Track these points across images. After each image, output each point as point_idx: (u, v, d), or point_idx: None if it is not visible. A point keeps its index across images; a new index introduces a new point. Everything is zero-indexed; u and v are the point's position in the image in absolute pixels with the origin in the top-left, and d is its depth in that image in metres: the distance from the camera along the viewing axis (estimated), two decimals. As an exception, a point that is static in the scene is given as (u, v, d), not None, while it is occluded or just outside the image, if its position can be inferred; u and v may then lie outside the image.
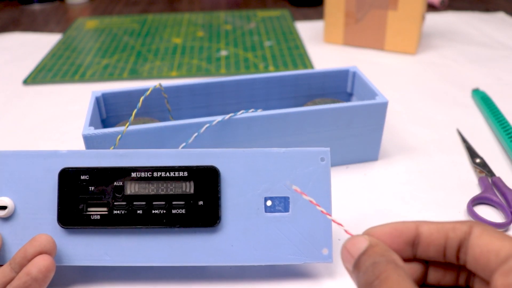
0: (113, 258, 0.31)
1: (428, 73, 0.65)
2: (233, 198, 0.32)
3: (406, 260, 0.25)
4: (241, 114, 0.40)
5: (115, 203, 0.31)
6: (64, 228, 0.31)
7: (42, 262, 0.29)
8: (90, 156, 0.32)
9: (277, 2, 1.03)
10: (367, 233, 0.25)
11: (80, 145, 0.50)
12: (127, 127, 0.38)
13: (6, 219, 0.32)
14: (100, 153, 0.32)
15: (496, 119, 0.51)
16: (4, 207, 0.31)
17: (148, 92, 0.40)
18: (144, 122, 0.44)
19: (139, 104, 0.38)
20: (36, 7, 1.02)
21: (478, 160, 0.45)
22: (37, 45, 0.80)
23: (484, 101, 0.55)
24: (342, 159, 0.45)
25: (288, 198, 0.32)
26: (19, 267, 0.29)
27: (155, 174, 0.32)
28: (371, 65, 0.68)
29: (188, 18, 0.91)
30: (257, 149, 0.33)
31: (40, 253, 0.29)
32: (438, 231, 0.24)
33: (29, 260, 0.29)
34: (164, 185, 0.32)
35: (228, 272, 0.34)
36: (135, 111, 0.38)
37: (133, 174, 0.32)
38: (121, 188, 0.31)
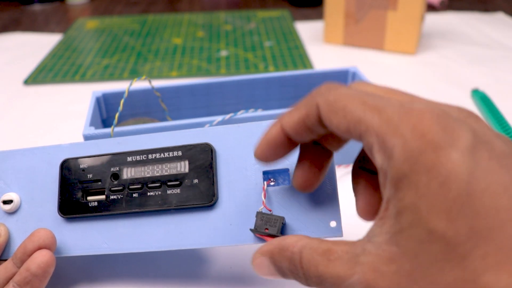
0: (111, 246, 0.31)
1: (428, 73, 0.66)
2: (229, 175, 0.31)
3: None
4: (241, 114, 0.40)
5: (112, 189, 0.31)
6: (64, 217, 0.31)
7: (40, 258, 0.29)
8: (91, 147, 0.33)
9: (277, 2, 1.03)
10: (258, 155, 0.25)
11: (81, 145, 0.50)
12: (117, 115, 0.37)
13: (13, 213, 0.32)
14: (99, 143, 0.33)
15: (495, 119, 0.51)
16: (10, 201, 0.32)
17: (133, 81, 0.39)
18: (144, 122, 0.44)
19: (126, 94, 0.38)
20: (37, 7, 1.02)
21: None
22: (37, 45, 0.80)
23: (483, 101, 0.55)
24: (342, 159, 0.45)
25: (287, 169, 0.30)
26: (20, 263, 0.30)
27: (150, 156, 0.31)
28: (371, 65, 0.68)
29: (188, 18, 0.91)
30: (251, 123, 0.31)
31: (39, 248, 0.29)
32: (297, 124, 0.23)
33: (29, 256, 0.29)
34: (159, 166, 0.31)
35: (229, 270, 0.34)
36: (122, 100, 0.38)
37: (129, 159, 0.32)
38: (118, 174, 0.31)
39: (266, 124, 0.31)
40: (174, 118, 0.48)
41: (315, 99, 0.22)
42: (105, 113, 0.46)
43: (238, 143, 0.31)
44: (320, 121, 0.22)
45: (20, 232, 0.32)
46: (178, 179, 0.31)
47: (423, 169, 0.18)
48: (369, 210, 0.26)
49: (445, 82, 0.63)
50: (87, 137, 0.38)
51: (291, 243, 0.22)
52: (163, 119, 0.48)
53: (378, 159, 0.19)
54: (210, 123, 0.39)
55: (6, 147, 0.51)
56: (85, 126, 0.39)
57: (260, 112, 0.41)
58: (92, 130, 0.39)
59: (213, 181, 0.30)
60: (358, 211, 0.26)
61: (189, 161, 0.31)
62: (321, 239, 0.22)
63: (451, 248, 0.17)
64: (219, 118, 0.40)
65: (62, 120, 0.56)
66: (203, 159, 0.31)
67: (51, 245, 0.30)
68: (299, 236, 0.23)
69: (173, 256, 0.35)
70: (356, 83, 0.24)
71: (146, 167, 0.31)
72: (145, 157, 0.31)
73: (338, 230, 0.29)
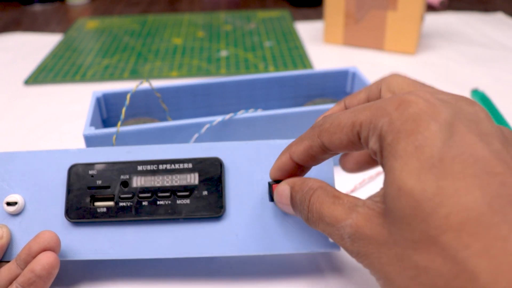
0: (118, 251, 0.31)
1: (428, 73, 0.66)
2: (237, 188, 0.32)
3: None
4: (241, 114, 0.40)
5: (121, 196, 0.32)
6: (71, 221, 0.32)
7: (45, 260, 0.29)
8: (99, 153, 0.33)
9: (277, 3, 1.03)
10: (272, 177, 0.29)
11: (81, 145, 0.50)
12: (119, 126, 0.38)
13: (16, 215, 0.32)
14: (107, 150, 0.33)
15: (495, 119, 0.51)
16: (14, 203, 0.32)
17: (135, 88, 0.40)
18: (144, 122, 0.44)
19: (127, 102, 0.38)
20: (37, 7, 1.02)
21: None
22: (38, 45, 0.80)
23: (483, 101, 0.55)
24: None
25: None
26: (24, 264, 0.30)
27: (160, 166, 0.32)
28: (371, 65, 0.68)
29: (188, 19, 0.91)
30: (260, 141, 0.33)
31: (44, 249, 0.30)
32: (304, 154, 0.27)
33: (34, 257, 0.30)
34: (170, 177, 0.32)
35: (229, 270, 0.34)
36: (123, 108, 0.38)
37: (139, 168, 0.32)
38: (128, 182, 0.32)
39: (273, 144, 0.33)
40: (174, 118, 0.48)
41: (314, 131, 0.25)
42: (105, 113, 0.46)
43: (246, 159, 0.33)
44: (322, 149, 0.25)
45: (23, 234, 0.32)
46: (188, 190, 0.32)
47: (403, 135, 0.20)
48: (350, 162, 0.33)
49: (445, 82, 0.63)
50: (87, 137, 0.38)
51: (312, 182, 0.26)
52: (163, 119, 0.48)
53: (373, 143, 0.22)
54: (210, 123, 0.40)
55: (6, 147, 0.51)
56: (86, 126, 0.39)
57: (260, 112, 0.41)
58: (93, 130, 0.39)
59: (222, 194, 0.32)
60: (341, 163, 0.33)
61: (199, 173, 0.32)
62: (336, 189, 0.25)
63: (417, 204, 0.19)
64: (219, 118, 0.40)
65: (63, 120, 0.56)
66: (212, 172, 0.32)
67: (55, 247, 0.30)
68: (320, 180, 0.26)
69: (173, 256, 0.35)
70: (390, 75, 0.29)
71: (156, 177, 0.32)
72: (155, 167, 0.32)
73: (336, 245, 0.31)
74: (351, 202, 0.23)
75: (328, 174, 0.32)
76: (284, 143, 0.33)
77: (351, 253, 0.22)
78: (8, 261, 0.31)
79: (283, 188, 0.28)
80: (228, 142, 0.33)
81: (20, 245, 0.32)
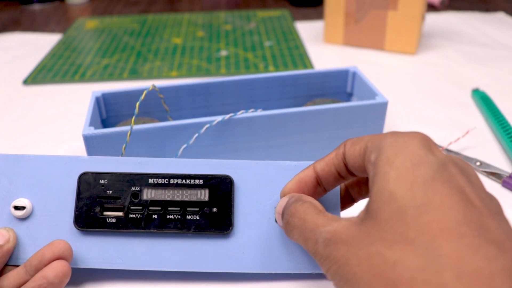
0: (126, 262, 0.32)
1: (428, 73, 0.65)
2: (245, 207, 0.33)
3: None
4: (241, 114, 0.40)
5: (131, 207, 0.32)
6: (79, 230, 0.32)
7: (59, 267, 0.29)
8: (110, 163, 0.33)
9: (277, 2, 1.03)
10: (282, 192, 0.30)
11: (80, 145, 0.50)
12: (129, 135, 0.37)
13: (24, 219, 0.32)
14: (119, 160, 0.33)
15: (496, 119, 0.51)
16: (22, 208, 0.32)
17: (142, 96, 0.39)
18: (144, 122, 0.44)
19: (136, 110, 0.38)
20: (36, 7, 1.02)
21: (478, 163, 0.45)
22: (37, 45, 0.80)
23: (484, 101, 0.55)
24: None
25: None
26: (35, 271, 0.30)
27: (171, 181, 0.33)
28: (371, 65, 0.68)
29: (188, 18, 0.91)
30: (269, 161, 0.34)
31: (57, 258, 0.30)
32: (327, 165, 0.28)
33: (46, 264, 0.30)
34: (180, 192, 0.32)
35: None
36: (134, 117, 0.38)
37: (151, 180, 0.32)
38: (138, 193, 0.32)
39: (282, 165, 0.33)
40: (174, 118, 0.48)
41: (342, 143, 0.28)
42: (105, 113, 0.46)
43: (256, 178, 0.33)
44: (344, 159, 0.27)
45: (29, 239, 0.32)
46: (197, 206, 0.32)
47: (403, 152, 0.23)
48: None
49: (445, 82, 0.63)
50: (86, 137, 0.38)
51: (306, 196, 0.28)
52: (163, 119, 0.47)
53: (374, 157, 0.24)
54: (210, 123, 0.39)
55: (5, 147, 0.51)
56: (85, 126, 0.39)
57: (260, 112, 0.41)
58: (92, 130, 0.38)
59: (231, 212, 0.32)
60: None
61: (209, 190, 0.32)
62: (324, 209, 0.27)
63: (405, 209, 0.21)
64: (219, 118, 0.40)
65: (62, 120, 0.56)
66: (223, 190, 0.33)
67: (68, 257, 0.30)
68: (313, 198, 0.28)
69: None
70: None
71: (167, 191, 0.32)
72: (166, 181, 0.33)
73: None
74: (334, 216, 0.25)
75: (335, 205, 0.32)
76: (292, 164, 0.33)
77: (320, 257, 0.24)
78: (14, 265, 0.31)
79: (283, 198, 0.29)
80: (239, 160, 0.34)
81: (26, 250, 0.31)
